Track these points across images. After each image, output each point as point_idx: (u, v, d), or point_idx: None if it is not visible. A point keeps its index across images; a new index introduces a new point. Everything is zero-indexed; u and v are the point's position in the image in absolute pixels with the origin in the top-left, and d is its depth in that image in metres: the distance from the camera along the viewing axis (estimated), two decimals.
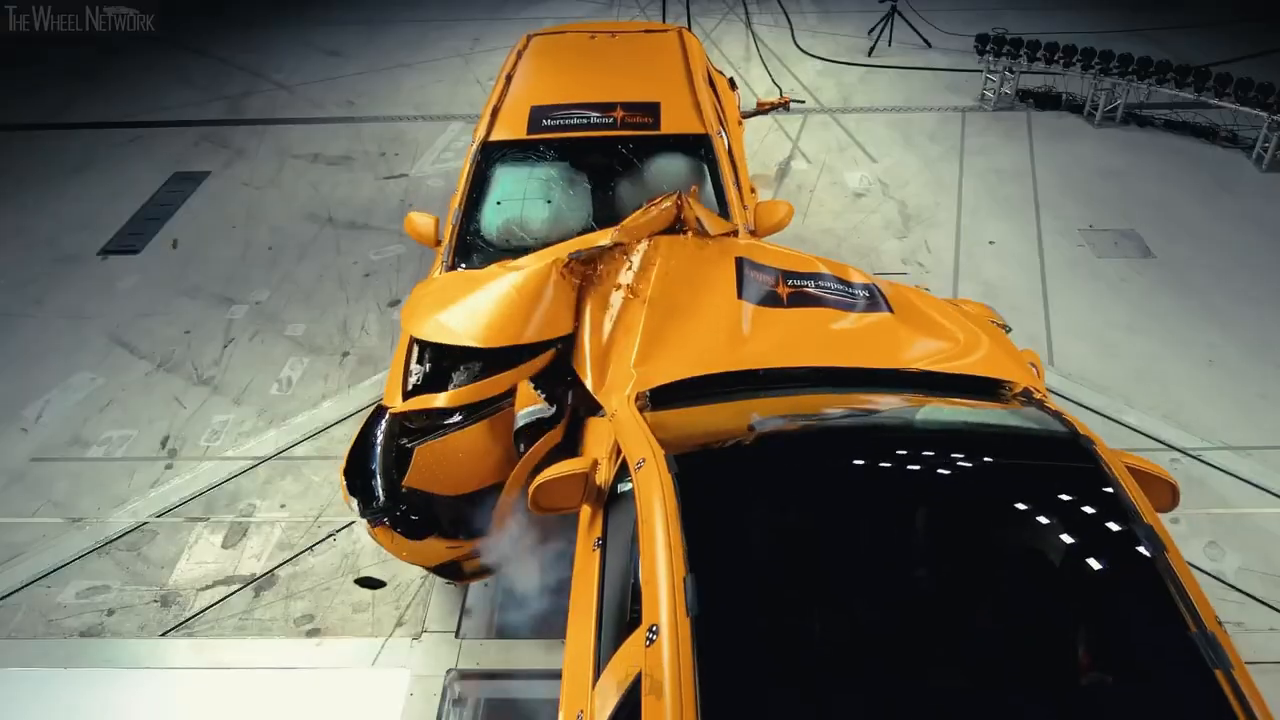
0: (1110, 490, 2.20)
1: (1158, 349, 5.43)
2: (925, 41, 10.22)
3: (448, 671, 3.59)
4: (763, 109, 7.02)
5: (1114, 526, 2.14)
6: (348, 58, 10.63)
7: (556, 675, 3.43)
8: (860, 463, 2.43)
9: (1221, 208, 6.96)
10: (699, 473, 2.29)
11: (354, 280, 6.31)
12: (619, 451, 2.66)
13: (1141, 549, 2.07)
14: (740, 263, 3.53)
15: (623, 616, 2.26)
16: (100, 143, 8.67)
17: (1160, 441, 4.69)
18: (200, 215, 7.34)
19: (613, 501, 2.66)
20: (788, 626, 2.03)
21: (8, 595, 4.10)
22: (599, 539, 2.60)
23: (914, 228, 6.75)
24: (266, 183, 7.81)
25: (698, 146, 4.57)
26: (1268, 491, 4.40)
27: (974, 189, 7.29)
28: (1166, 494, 2.44)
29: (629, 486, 2.46)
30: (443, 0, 12.28)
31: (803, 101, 7.85)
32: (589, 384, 3.23)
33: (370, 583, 3.88)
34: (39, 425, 5.15)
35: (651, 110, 4.71)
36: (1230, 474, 4.51)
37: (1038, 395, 2.86)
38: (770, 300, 3.37)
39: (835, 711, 1.88)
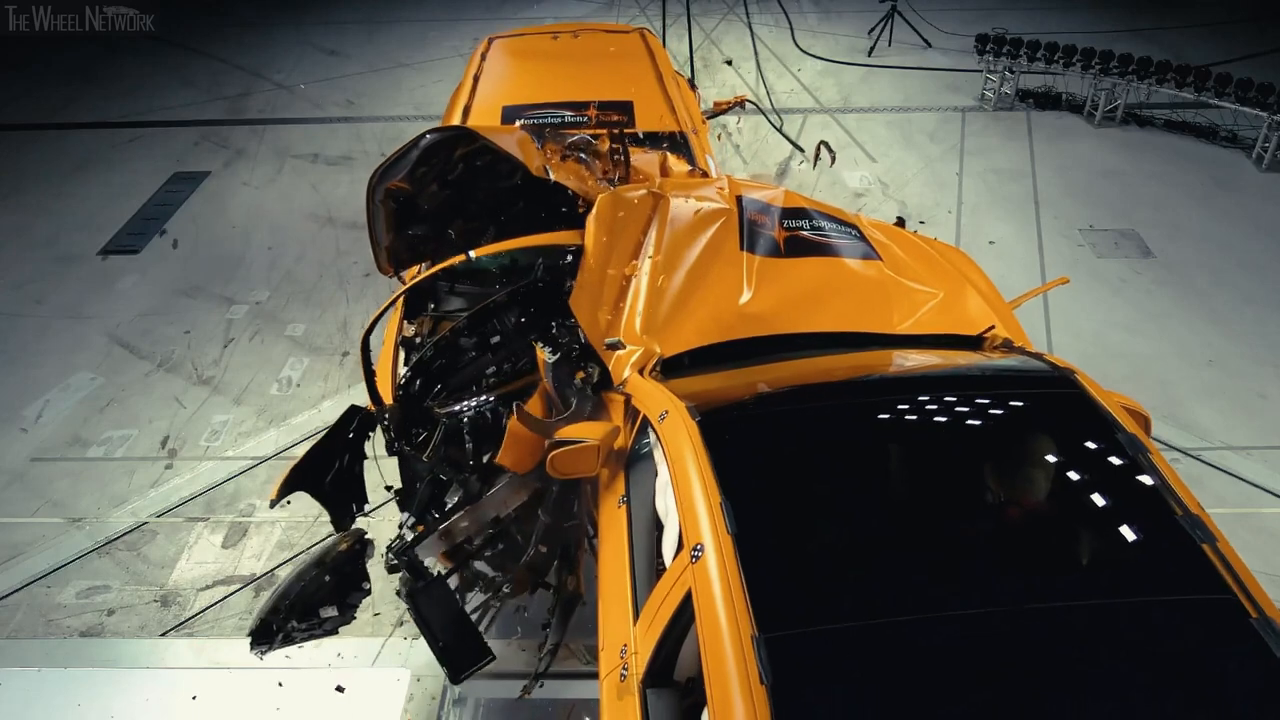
0: (1094, 408, 2.50)
1: (1157, 349, 5.43)
2: (925, 41, 10.22)
3: None
4: (720, 109, 7.04)
5: (1101, 436, 2.42)
6: (348, 58, 10.63)
7: (556, 675, 3.45)
8: (861, 402, 2.64)
9: (1221, 208, 6.96)
10: (716, 418, 2.51)
11: (354, 280, 6.31)
12: (634, 417, 2.82)
13: (1128, 452, 2.34)
14: (741, 203, 3.57)
15: (654, 559, 2.49)
16: (100, 143, 8.67)
17: (1160, 441, 4.67)
18: (200, 215, 7.34)
19: (632, 462, 2.82)
20: (812, 538, 2.25)
21: (8, 595, 4.10)
22: (623, 496, 2.78)
23: (914, 227, 6.74)
24: (266, 183, 7.81)
25: (673, 144, 4.61)
26: (1268, 491, 4.40)
27: (974, 189, 7.29)
28: (1140, 425, 2.69)
29: (647, 449, 2.67)
30: (443, 0, 12.28)
31: (786, 136, 7.73)
32: (591, 336, 3.25)
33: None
34: (39, 425, 5.15)
35: (625, 109, 4.76)
36: (1230, 474, 4.51)
37: (1016, 344, 3.15)
38: (770, 249, 3.50)
39: (859, 602, 2.07)
